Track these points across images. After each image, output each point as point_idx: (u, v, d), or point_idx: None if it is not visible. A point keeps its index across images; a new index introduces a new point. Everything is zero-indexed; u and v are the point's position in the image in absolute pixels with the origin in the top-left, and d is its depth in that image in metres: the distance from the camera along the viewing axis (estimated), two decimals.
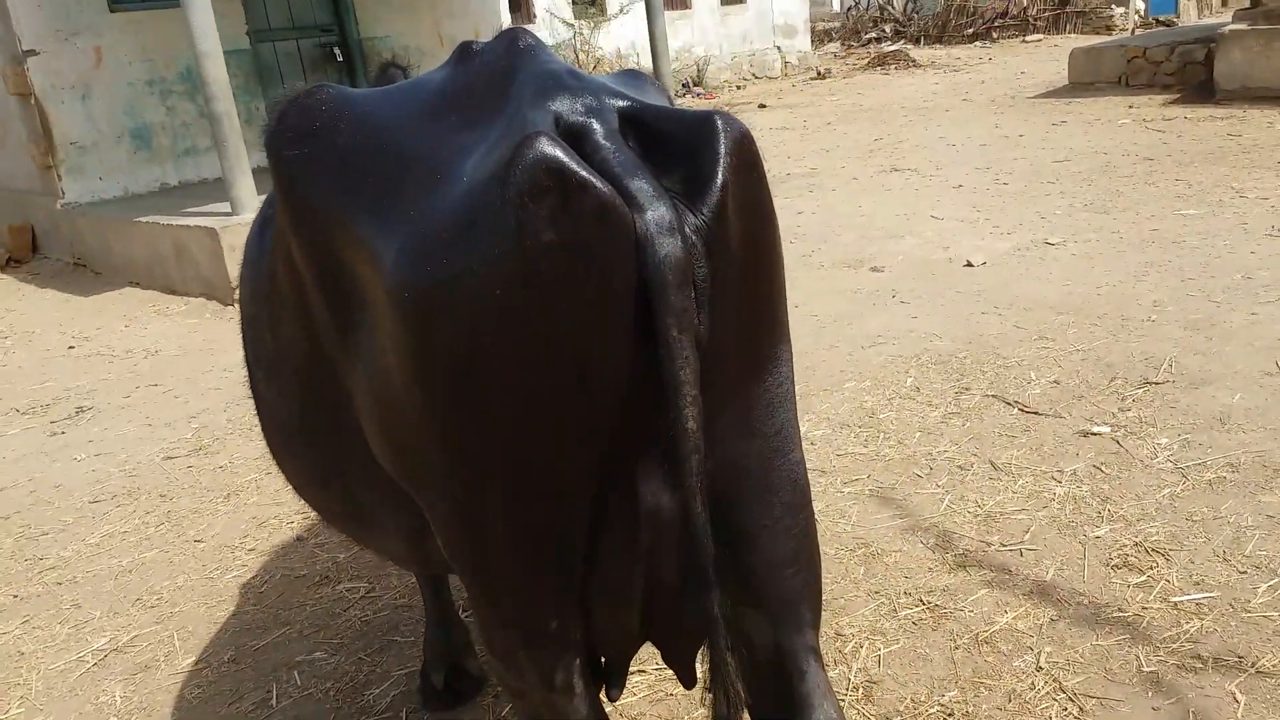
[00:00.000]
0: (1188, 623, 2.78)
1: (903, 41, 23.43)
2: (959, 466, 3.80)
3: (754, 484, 1.57)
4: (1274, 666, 2.57)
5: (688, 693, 2.68)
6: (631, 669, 2.03)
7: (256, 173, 7.90)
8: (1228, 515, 3.26)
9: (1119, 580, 3.00)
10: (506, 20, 13.10)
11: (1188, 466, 3.58)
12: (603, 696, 1.74)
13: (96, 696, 3.06)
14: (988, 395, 4.37)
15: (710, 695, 1.57)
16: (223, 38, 7.42)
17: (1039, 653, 2.74)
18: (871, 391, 4.57)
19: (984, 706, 2.57)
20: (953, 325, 5.26)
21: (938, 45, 23.20)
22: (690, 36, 18.26)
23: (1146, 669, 2.62)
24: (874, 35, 24.69)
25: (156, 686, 3.08)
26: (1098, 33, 20.97)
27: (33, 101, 9.06)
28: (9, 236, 9.95)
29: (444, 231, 1.39)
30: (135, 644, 3.32)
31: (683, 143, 1.43)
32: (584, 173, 1.31)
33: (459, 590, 2.93)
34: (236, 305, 7.35)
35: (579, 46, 16.33)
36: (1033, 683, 2.63)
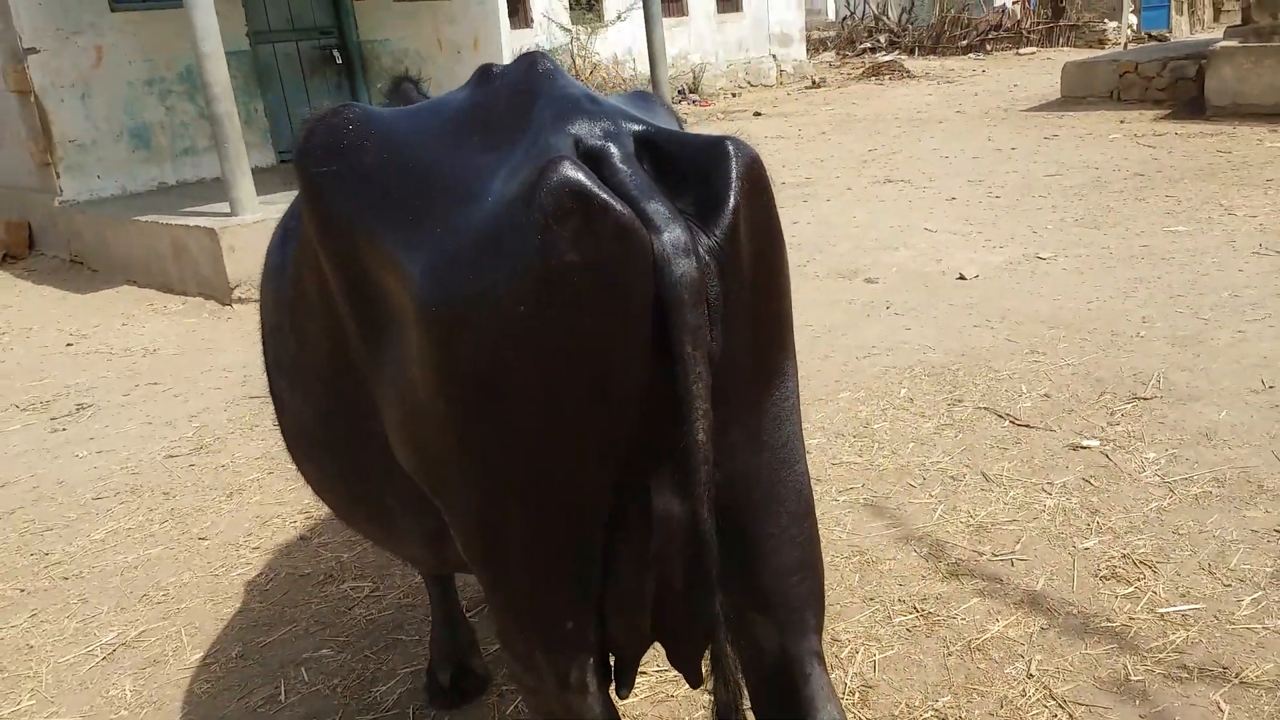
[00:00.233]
0: (1174, 633, 2.86)
1: (897, 52, 23.53)
2: (951, 477, 3.88)
3: (762, 494, 1.63)
4: (1257, 677, 2.65)
5: (688, 694, 2.77)
6: None
7: (256, 173, 7.95)
8: (1213, 529, 3.34)
9: (1107, 591, 3.08)
10: (505, 25, 13.12)
11: (1175, 481, 3.66)
12: (612, 693, 1.81)
13: (107, 690, 3.11)
14: (980, 407, 4.46)
15: (712, 683, 1.66)
16: (223, 39, 7.44)
17: (1030, 660, 2.81)
18: (866, 402, 4.65)
19: (976, 712, 2.64)
20: (946, 337, 5.35)
21: (932, 56, 23.33)
22: (686, 44, 18.32)
23: (1134, 678, 2.70)
24: (869, 45, 24.78)
25: (166, 681, 3.12)
26: (1090, 46, 21.14)
27: (32, 99, 9.08)
28: (5, 232, 9.95)
29: (469, 249, 1.45)
30: (143, 639, 3.36)
31: (696, 166, 1.49)
32: (605, 196, 1.37)
33: (465, 590, 2.99)
34: (235, 305, 7.40)
35: (576, 52, 16.35)
36: (1023, 690, 2.70)
